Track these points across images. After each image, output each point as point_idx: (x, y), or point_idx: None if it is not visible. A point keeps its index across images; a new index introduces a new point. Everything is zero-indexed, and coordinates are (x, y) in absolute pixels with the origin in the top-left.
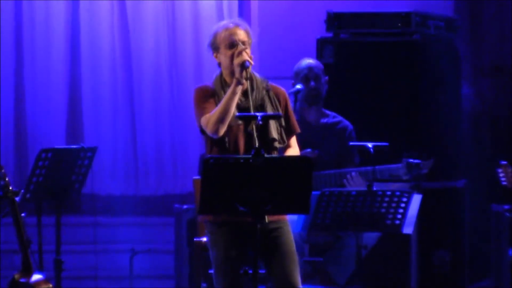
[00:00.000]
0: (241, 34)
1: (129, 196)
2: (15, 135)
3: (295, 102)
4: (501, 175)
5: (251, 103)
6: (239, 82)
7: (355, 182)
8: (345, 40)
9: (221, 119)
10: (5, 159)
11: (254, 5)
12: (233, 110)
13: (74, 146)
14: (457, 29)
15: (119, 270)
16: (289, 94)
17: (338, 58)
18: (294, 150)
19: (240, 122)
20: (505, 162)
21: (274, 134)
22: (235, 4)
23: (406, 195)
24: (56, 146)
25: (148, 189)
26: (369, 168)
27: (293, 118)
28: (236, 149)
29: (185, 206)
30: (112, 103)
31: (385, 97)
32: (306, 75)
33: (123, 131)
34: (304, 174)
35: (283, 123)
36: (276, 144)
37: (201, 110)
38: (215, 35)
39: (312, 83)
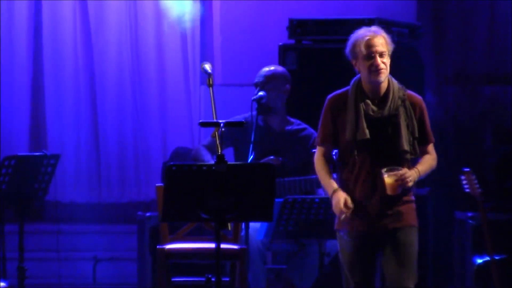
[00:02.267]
0: (379, 45)
1: (92, 203)
2: None
3: (257, 109)
4: (464, 182)
5: (385, 113)
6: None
7: None
8: (307, 47)
9: None
10: None
11: (216, 10)
12: None
13: (37, 154)
14: (421, 37)
15: (82, 278)
16: (252, 101)
17: (300, 65)
18: (431, 156)
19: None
20: (468, 170)
21: (406, 146)
22: (197, 6)
23: None
24: (19, 154)
25: (111, 196)
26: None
27: (428, 128)
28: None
29: (148, 214)
30: (75, 110)
31: None
32: (261, 83)
33: (86, 138)
34: (266, 181)
35: (416, 134)
36: (408, 156)
37: (320, 131)
38: (353, 44)
39: (263, 93)
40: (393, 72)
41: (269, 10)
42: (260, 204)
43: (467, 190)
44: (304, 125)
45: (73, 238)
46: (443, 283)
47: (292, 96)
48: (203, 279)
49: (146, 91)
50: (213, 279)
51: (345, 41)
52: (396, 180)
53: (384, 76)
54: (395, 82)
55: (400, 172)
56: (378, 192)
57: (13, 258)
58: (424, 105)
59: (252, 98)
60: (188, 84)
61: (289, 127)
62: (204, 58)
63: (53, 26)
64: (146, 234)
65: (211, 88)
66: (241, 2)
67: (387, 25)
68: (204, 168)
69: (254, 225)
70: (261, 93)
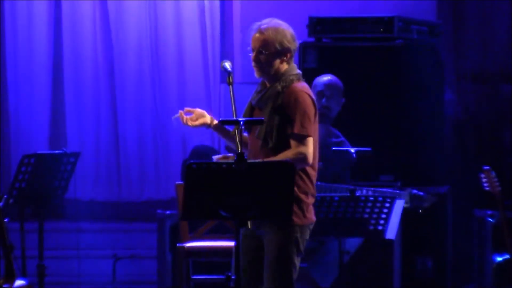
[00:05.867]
0: (254, 40)
1: (111, 201)
2: None
3: None
4: (484, 180)
5: (255, 102)
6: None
7: None
8: (327, 45)
9: None
10: None
11: (236, 8)
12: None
13: (57, 152)
14: (440, 35)
15: (102, 276)
16: None
17: (320, 63)
18: (291, 151)
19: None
20: (488, 168)
21: (259, 133)
22: (217, 5)
23: (389, 200)
24: (39, 152)
25: (131, 194)
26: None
27: (295, 120)
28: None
29: (168, 212)
30: (95, 108)
31: (368, 102)
32: (322, 92)
33: (105, 136)
34: (286, 180)
35: (276, 122)
36: (263, 144)
37: None
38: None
39: (324, 101)
40: (413, 69)
41: (289, 8)
42: (279, 203)
43: (487, 188)
44: (342, 138)
45: (92, 236)
46: (462, 281)
47: None
48: (223, 277)
49: (166, 89)
50: (233, 277)
51: (365, 39)
52: None
53: (259, 73)
54: (288, 80)
55: (217, 157)
56: None
57: (33, 256)
58: (294, 99)
59: None
60: (208, 82)
61: (329, 139)
62: (224, 56)
63: (72, 25)
64: (166, 232)
65: (231, 86)
66: (261, 0)
67: (406, 23)
68: (224, 166)
69: None
70: None
